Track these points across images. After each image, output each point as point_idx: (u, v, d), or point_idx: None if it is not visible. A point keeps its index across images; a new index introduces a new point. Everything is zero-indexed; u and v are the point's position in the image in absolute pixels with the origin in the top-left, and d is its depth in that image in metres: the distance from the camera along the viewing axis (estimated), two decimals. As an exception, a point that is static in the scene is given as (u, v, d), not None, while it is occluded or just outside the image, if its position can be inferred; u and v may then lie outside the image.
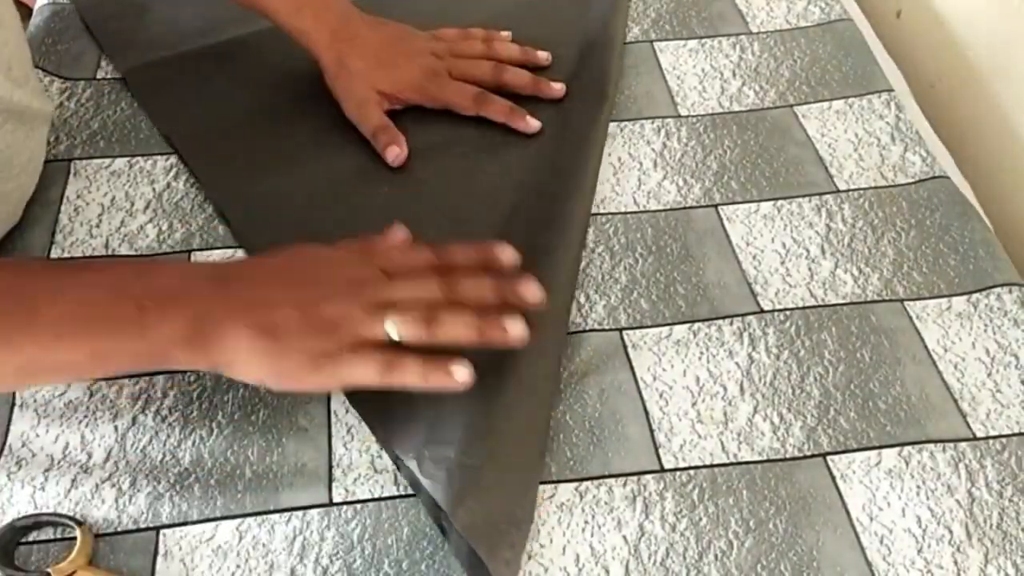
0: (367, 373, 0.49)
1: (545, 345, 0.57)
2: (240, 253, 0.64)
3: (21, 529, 0.51)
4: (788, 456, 0.55)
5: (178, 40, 0.79)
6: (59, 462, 0.54)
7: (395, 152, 0.69)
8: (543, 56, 0.77)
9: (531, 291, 0.52)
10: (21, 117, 0.62)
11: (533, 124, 0.72)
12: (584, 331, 0.61)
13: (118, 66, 0.77)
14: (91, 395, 0.57)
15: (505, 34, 0.78)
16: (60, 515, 0.51)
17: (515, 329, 0.50)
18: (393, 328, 0.49)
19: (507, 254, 0.55)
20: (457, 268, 0.54)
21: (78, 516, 0.51)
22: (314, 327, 0.49)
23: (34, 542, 0.51)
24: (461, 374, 0.49)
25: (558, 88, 0.75)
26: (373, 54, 0.72)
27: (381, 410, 0.55)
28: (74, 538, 0.50)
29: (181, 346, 0.48)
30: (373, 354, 0.49)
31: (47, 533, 0.51)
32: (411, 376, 0.49)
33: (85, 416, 0.56)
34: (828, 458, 0.55)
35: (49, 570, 0.48)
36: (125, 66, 0.77)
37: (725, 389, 0.58)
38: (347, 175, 0.70)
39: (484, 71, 0.74)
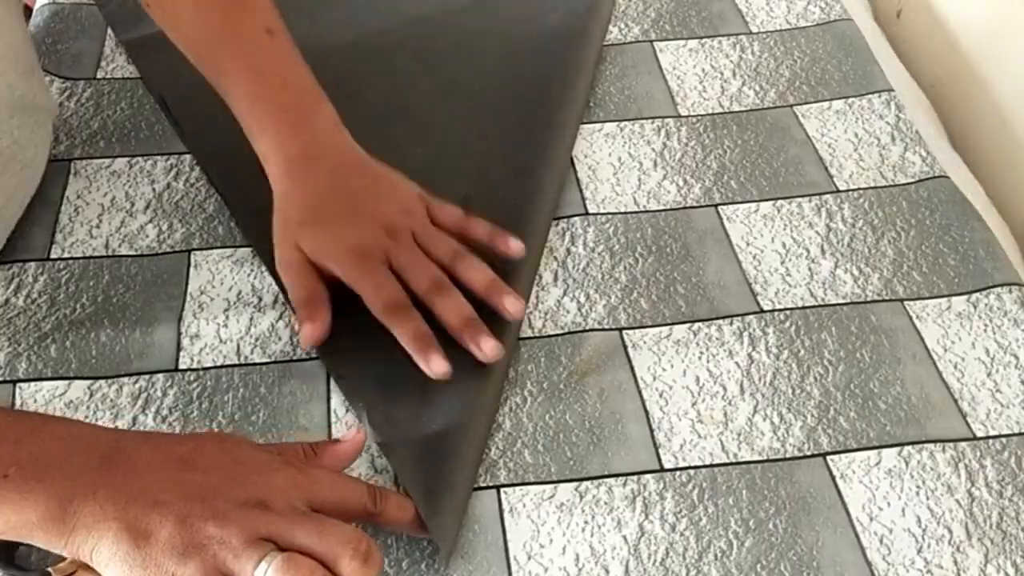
0: None
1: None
2: (237, 253, 0.65)
3: None
4: (788, 456, 0.55)
5: None
6: (59, 462, 0.54)
7: (307, 331, 0.56)
8: (515, 248, 0.61)
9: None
10: (26, 111, 0.62)
11: (489, 352, 0.56)
12: (584, 331, 0.61)
13: (118, 35, 0.79)
14: (91, 395, 0.57)
15: (513, 245, 0.61)
16: None
17: None
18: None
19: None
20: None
21: None
22: (183, 546, 0.42)
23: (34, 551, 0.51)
24: None
25: (511, 305, 0.58)
26: (315, 205, 0.60)
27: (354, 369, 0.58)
28: None
29: (38, 527, 0.42)
30: None
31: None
32: None
33: (85, 416, 0.56)
34: (828, 458, 0.55)
35: (50, 569, 0.48)
36: (126, 36, 0.79)
37: (725, 389, 0.58)
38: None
39: (424, 274, 0.58)
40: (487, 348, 0.56)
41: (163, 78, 0.76)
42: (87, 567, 0.47)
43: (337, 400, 0.57)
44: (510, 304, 0.57)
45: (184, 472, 0.45)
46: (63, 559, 0.48)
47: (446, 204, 0.62)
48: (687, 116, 0.76)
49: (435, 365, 0.54)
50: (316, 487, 0.47)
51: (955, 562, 0.51)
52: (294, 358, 0.59)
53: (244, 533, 0.43)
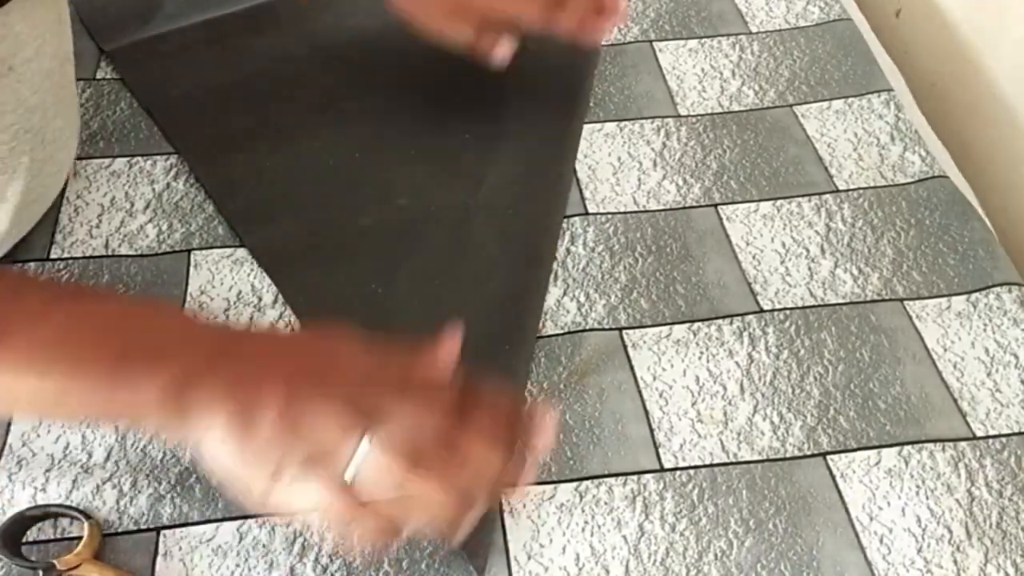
0: (306, 503, 0.42)
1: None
2: (237, 253, 0.65)
3: (30, 519, 0.51)
4: (788, 456, 0.55)
5: (164, 19, 0.81)
6: (60, 462, 0.54)
7: (504, 51, 0.65)
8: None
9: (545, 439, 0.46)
10: (63, 113, 0.63)
11: (601, 32, 0.69)
12: (584, 331, 0.61)
13: (102, 44, 0.79)
14: (91, 395, 0.57)
15: None
16: (69, 507, 0.51)
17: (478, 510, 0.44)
18: (353, 472, 0.42)
19: (546, 426, 0.46)
20: (477, 419, 0.44)
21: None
22: (287, 431, 0.42)
23: (39, 541, 0.51)
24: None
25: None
26: None
27: None
28: (80, 536, 0.50)
29: (155, 408, 0.42)
30: (328, 485, 0.42)
31: (55, 528, 0.51)
32: (361, 535, 0.43)
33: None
34: (828, 457, 0.55)
35: (54, 561, 0.48)
36: (112, 45, 0.79)
37: (725, 389, 0.58)
38: (338, 153, 0.71)
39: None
40: (600, 31, 0.67)
41: (149, 87, 0.76)
42: (91, 560, 0.48)
43: (337, 400, 0.57)
44: None
45: (290, 362, 0.45)
46: (67, 551, 0.48)
47: None
48: (687, 116, 0.76)
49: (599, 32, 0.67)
50: (414, 372, 0.46)
51: (955, 561, 0.51)
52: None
53: (345, 418, 0.42)
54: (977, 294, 0.63)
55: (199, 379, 0.42)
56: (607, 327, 0.61)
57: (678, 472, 0.54)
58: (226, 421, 0.41)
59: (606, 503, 0.53)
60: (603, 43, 0.73)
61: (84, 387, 0.42)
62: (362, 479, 0.42)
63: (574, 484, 0.54)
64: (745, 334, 0.61)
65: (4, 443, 0.55)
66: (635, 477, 0.54)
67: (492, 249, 0.65)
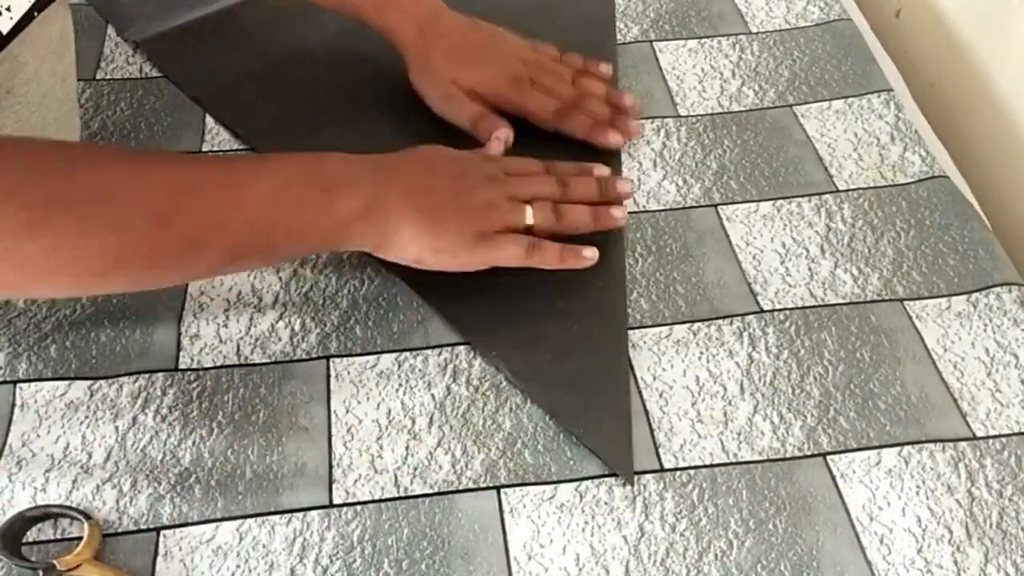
0: (515, 252, 0.58)
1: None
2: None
3: (30, 520, 0.51)
4: (788, 456, 0.55)
5: (187, 9, 0.82)
6: (60, 462, 0.54)
7: (502, 136, 0.68)
8: (628, 100, 0.73)
9: (625, 186, 0.64)
10: (66, 128, 0.65)
11: (616, 139, 0.70)
12: (584, 331, 0.61)
13: (130, 36, 0.80)
14: (91, 395, 0.57)
15: (604, 68, 0.76)
16: (69, 508, 0.51)
17: (619, 213, 0.63)
18: (530, 216, 0.59)
19: (600, 168, 0.64)
20: (561, 172, 0.63)
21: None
22: (468, 212, 0.58)
23: (39, 542, 0.51)
24: (591, 252, 0.60)
25: (633, 129, 0.72)
26: (456, 50, 0.72)
27: (475, 318, 0.61)
28: (80, 537, 0.50)
29: (359, 222, 0.55)
30: (519, 236, 0.59)
31: (55, 528, 0.51)
32: (551, 256, 0.59)
33: (86, 416, 0.56)
34: (828, 458, 0.55)
35: (54, 562, 0.48)
36: (139, 36, 0.80)
37: (725, 389, 0.58)
38: (395, 121, 0.73)
39: (567, 91, 0.72)
40: (613, 137, 0.70)
41: (194, 77, 0.77)
42: (91, 561, 0.48)
43: (337, 400, 0.57)
44: (615, 136, 0.71)
45: (435, 167, 0.60)
46: (67, 552, 0.48)
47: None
48: (687, 116, 0.76)
49: (613, 138, 0.70)
50: (506, 158, 0.66)
51: (955, 562, 0.51)
52: (294, 359, 0.59)
53: (504, 195, 0.59)
54: (977, 294, 0.63)
55: (384, 194, 0.56)
56: (607, 327, 0.61)
57: (678, 472, 0.54)
58: (413, 220, 0.56)
59: (606, 503, 0.53)
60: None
61: (305, 223, 0.54)
62: (536, 222, 0.59)
63: (574, 484, 0.54)
64: (745, 334, 0.61)
65: (4, 443, 0.55)
66: (635, 477, 0.54)
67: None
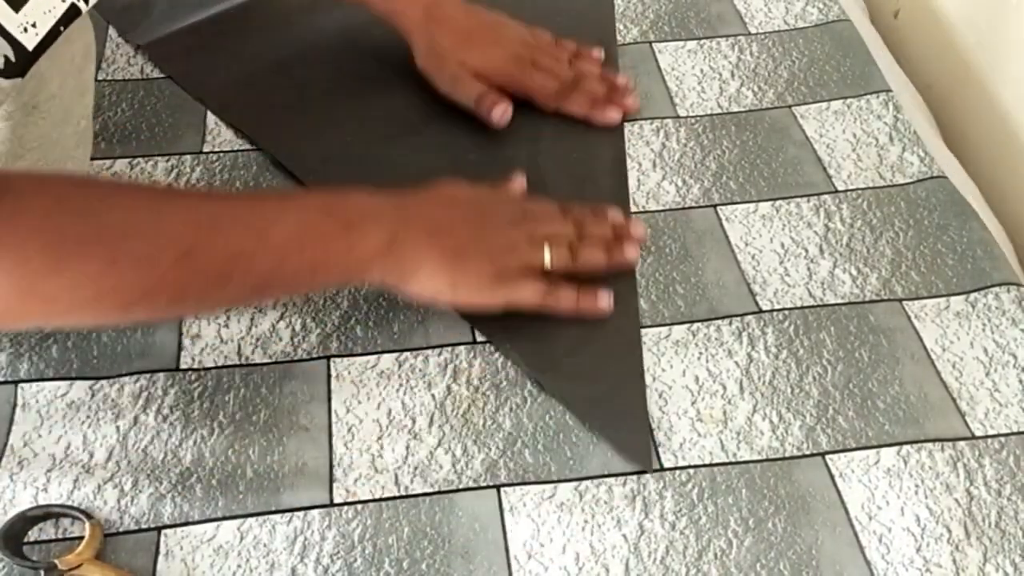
0: (532, 295, 0.59)
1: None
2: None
3: (31, 519, 0.51)
4: (787, 455, 0.55)
5: (189, 11, 0.82)
6: (61, 462, 0.54)
7: (501, 110, 0.71)
8: (623, 80, 0.77)
9: (638, 229, 0.64)
10: (84, 143, 0.65)
11: (615, 115, 0.74)
12: (584, 331, 0.61)
13: (134, 40, 0.80)
14: (93, 395, 0.57)
15: (596, 53, 0.79)
16: (70, 507, 0.51)
17: (632, 253, 0.63)
18: (548, 256, 0.59)
19: (614, 211, 0.65)
20: (577, 214, 0.64)
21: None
22: (488, 252, 0.58)
23: (40, 541, 0.51)
24: (605, 300, 0.60)
25: (632, 105, 0.75)
26: (463, 33, 0.74)
27: (513, 335, 0.60)
28: (81, 536, 0.50)
29: (380, 259, 0.55)
30: (538, 279, 0.59)
31: (56, 528, 0.51)
32: (566, 301, 0.60)
33: (87, 416, 0.56)
34: (827, 457, 0.55)
35: (56, 561, 0.48)
36: (143, 40, 0.80)
37: (724, 388, 0.58)
38: (402, 116, 0.74)
39: (566, 72, 0.76)
40: (612, 114, 0.73)
41: (197, 77, 0.77)
42: (92, 560, 0.48)
43: (338, 400, 0.57)
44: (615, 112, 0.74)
45: (457, 205, 0.61)
46: (69, 551, 0.49)
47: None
48: (686, 117, 0.76)
49: (612, 114, 0.74)
50: (524, 199, 0.66)
51: (954, 561, 0.51)
52: (295, 359, 0.59)
53: (523, 236, 0.60)
54: (976, 294, 0.63)
55: (405, 231, 0.56)
56: (607, 327, 0.61)
57: (678, 471, 0.55)
58: (433, 257, 0.56)
59: (606, 502, 0.53)
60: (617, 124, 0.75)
61: (327, 258, 0.55)
62: (553, 263, 0.59)
63: (574, 484, 0.54)
64: (744, 334, 0.61)
65: (5, 444, 0.55)
66: (635, 477, 0.54)
67: None
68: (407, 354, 0.60)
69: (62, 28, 0.49)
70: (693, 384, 0.59)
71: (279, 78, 0.78)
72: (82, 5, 0.50)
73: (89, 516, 0.51)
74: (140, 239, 0.49)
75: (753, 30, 0.84)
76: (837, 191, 0.70)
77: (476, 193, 0.63)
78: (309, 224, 0.54)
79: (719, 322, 0.62)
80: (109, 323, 0.59)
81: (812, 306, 0.63)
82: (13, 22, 0.46)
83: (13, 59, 0.47)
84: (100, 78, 0.77)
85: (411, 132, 0.74)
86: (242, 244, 0.52)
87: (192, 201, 0.55)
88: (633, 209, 0.69)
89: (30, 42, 0.48)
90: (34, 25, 0.48)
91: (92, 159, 0.70)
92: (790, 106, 0.77)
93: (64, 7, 0.49)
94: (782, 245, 0.66)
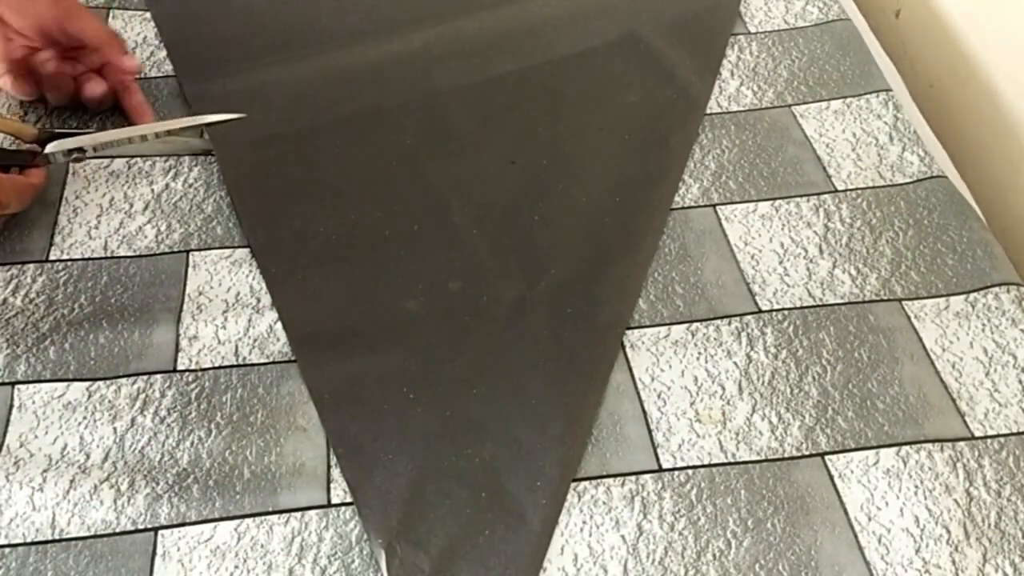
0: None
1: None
2: (236, 254, 0.65)
3: None
4: (786, 456, 0.55)
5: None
6: (57, 463, 0.54)
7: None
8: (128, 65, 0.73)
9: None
10: None
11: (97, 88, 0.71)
12: (582, 331, 0.61)
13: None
14: (90, 396, 0.57)
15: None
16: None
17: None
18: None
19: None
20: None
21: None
22: None
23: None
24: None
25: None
26: None
27: (364, 483, 0.54)
28: None
29: None
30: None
31: None
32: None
33: (84, 417, 0.56)
34: (826, 457, 0.55)
35: None
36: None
37: (723, 389, 0.58)
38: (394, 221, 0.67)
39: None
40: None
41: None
42: None
43: (335, 401, 0.57)
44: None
45: None
46: None
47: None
48: (685, 116, 0.76)
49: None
50: None
51: (953, 562, 0.51)
52: (292, 359, 0.59)
53: None
54: (975, 294, 0.63)
55: None
56: (605, 327, 0.61)
57: (676, 472, 0.54)
58: None
59: (604, 503, 0.53)
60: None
61: None
62: None
63: (572, 484, 0.54)
64: (743, 334, 0.61)
65: (2, 444, 0.55)
66: (633, 477, 0.54)
67: (540, 357, 0.59)
68: (405, 354, 0.60)
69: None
70: (692, 384, 0.58)
71: (283, 158, 0.71)
72: None
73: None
74: None
75: (753, 29, 0.83)
76: (837, 191, 0.70)
77: None
78: None
79: (718, 322, 0.62)
80: None
81: (811, 306, 0.63)
82: None
83: None
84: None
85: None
86: None
87: None
88: (632, 209, 0.68)
89: None
90: None
91: (91, 159, 0.70)
92: (790, 105, 0.76)
93: None
94: (781, 245, 0.66)
